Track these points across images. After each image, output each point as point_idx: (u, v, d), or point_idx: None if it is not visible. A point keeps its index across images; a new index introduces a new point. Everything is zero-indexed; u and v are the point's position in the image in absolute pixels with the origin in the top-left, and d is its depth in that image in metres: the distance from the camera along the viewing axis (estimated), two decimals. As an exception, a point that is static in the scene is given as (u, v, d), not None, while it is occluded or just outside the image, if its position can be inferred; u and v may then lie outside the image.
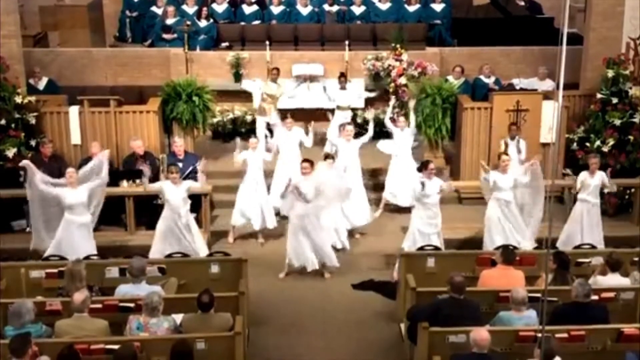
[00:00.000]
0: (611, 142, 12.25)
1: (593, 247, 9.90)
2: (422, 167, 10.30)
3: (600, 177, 10.65)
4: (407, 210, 11.82)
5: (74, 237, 10.05)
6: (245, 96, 14.02)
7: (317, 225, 10.36)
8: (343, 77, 13.59)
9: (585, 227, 10.66)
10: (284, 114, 12.82)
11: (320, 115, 13.29)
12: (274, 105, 13.34)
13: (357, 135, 12.23)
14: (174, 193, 10.21)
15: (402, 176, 11.92)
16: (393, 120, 12.32)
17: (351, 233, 11.44)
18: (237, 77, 14.38)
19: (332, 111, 13.33)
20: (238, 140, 11.49)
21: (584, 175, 10.67)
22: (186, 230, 10.30)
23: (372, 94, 13.91)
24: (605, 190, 10.88)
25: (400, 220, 11.76)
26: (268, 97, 13.33)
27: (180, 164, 11.73)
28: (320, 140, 12.97)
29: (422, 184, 10.03)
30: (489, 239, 10.46)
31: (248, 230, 11.53)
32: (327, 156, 11.01)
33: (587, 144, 12.45)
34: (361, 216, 11.56)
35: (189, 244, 10.25)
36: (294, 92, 13.88)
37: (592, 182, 10.60)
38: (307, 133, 11.97)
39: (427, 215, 10.18)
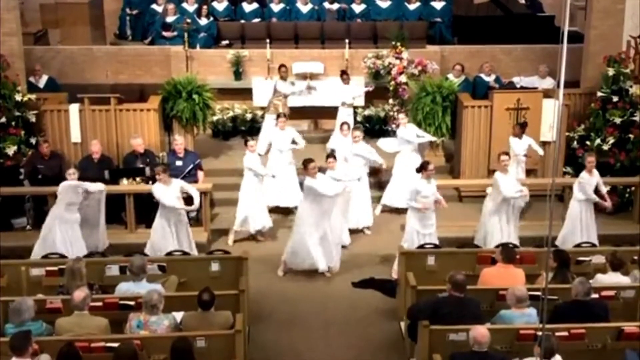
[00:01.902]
0: (611, 140, 12.25)
1: (593, 245, 9.90)
2: (422, 168, 10.28)
3: (597, 175, 10.62)
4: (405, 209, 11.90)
5: (57, 234, 10.17)
6: (245, 94, 14.03)
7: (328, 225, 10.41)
8: (345, 75, 13.60)
9: (582, 225, 10.65)
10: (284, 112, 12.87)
11: (324, 113, 13.36)
12: (282, 103, 13.48)
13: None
14: (167, 194, 10.16)
15: (403, 176, 11.97)
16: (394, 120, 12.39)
17: (357, 231, 11.55)
18: (238, 75, 14.39)
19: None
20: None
21: (585, 176, 10.65)
22: (185, 228, 10.37)
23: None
24: (603, 190, 10.81)
25: (400, 218, 11.75)
26: (281, 95, 13.45)
27: (181, 162, 11.78)
28: (322, 138, 13.03)
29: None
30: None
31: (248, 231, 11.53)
32: (330, 154, 11.02)
33: (588, 143, 12.45)
34: (366, 216, 11.66)
35: (183, 242, 10.29)
36: (292, 91, 13.86)
37: (591, 182, 10.59)
38: (315, 126, 11.96)
39: (424, 216, 10.16)
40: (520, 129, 11.81)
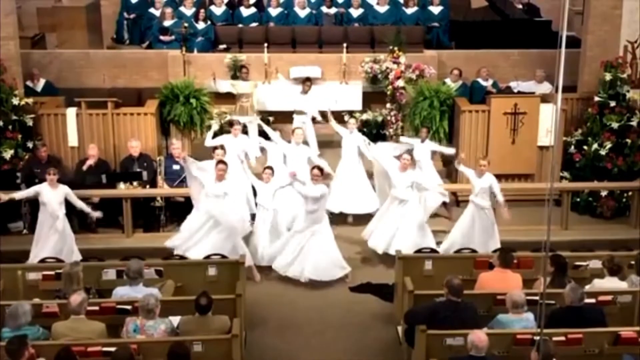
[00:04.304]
0: (608, 145, 12.26)
1: (474, 251, 9.79)
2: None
3: (489, 180, 10.35)
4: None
5: None
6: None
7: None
8: (308, 82, 13.64)
9: (477, 232, 10.41)
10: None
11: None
12: (250, 103, 13.48)
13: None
14: (51, 196, 10.19)
15: (348, 182, 11.82)
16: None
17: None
18: (236, 79, 14.36)
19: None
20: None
21: (469, 172, 10.52)
22: (61, 235, 10.26)
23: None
24: (500, 199, 10.39)
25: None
26: (241, 96, 13.54)
27: (178, 166, 11.77)
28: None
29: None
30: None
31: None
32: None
33: (585, 147, 12.47)
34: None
35: (61, 249, 10.20)
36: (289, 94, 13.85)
37: (477, 184, 10.39)
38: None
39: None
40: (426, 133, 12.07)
